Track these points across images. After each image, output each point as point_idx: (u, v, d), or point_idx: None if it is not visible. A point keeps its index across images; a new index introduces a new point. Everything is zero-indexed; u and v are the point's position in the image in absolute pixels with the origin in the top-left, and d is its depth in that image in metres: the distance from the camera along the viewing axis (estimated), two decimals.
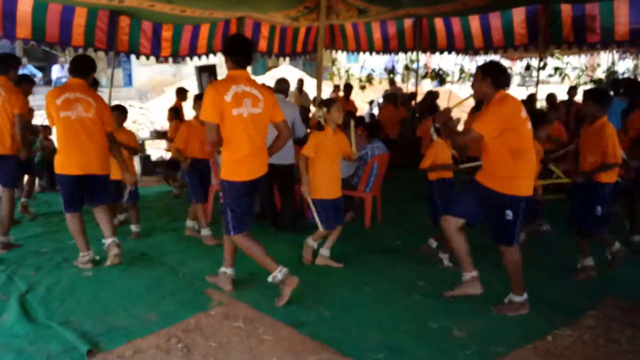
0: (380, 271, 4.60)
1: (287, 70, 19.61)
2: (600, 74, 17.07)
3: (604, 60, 18.87)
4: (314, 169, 4.60)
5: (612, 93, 8.67)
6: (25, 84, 5.76)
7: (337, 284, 4.33)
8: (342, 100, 10.30)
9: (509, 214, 3.72)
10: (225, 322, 3.59)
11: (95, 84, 7.54)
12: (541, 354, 3.24)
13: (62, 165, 4.48)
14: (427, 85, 16.85)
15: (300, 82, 13.05)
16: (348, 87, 11.34)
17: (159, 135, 7.84)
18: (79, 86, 4.52)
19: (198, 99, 5.19)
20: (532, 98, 8.64)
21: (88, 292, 4.07)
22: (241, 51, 3.83)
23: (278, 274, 3.87)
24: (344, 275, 4.55)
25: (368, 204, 6.00)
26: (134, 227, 5.60)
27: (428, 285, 4.28)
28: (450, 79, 17.72)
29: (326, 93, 13.56)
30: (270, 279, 3.91)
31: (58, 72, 15.14)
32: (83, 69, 4.57)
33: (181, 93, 9.22)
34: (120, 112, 5.51)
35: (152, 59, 9.31)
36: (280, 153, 5.56)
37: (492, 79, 3.69)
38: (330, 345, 3.28)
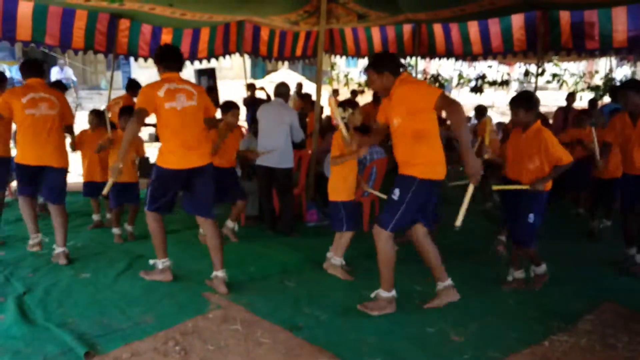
0: (377, 275, 4.58)
1: (286, 74, 19.66)
2: (598, 80, 17.15)
3: (602, 66, 18.96)
4: (335, 170, 4.58)
5: (610, 99, 8.76)
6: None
7: (334, 287, 4.33)
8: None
9: (396, 193, 3.66)
10: (223, 325, 3.59)
11: (137, 86, 7.73)
12: (538, 359, 3.25)
13: (21, 156, 4.74)
14: None
15: (299, 86, 13.07)
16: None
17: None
18: (41, 85, 4.82)
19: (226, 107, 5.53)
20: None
21: (85, 294, 4.07)
22: (170, 58, 4.19)
23: (160, 263, 4.34)
24: (341, 279, 4.55)
25: (366, 208, 6.01)
26: (128, 228, 5.65)
27: (426, 290, 4.28)
28: (449, 84, 17.82)
29: (325, 97, 13.58)
30: (151, 261, 4.39)
31: (57, 74, 15.15)
32: (38, 69, 4.87)
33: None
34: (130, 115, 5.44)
35: (151, 61, 9.32)
36: (280, 157, 5.63)
37: (390, 71, 3.67)
38: (328, 349, 3.28)
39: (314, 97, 7.06)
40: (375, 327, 3.62)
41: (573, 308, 3.97)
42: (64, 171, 4.88)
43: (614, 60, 16.91)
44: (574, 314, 3.85)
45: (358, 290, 4.24)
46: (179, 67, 4.22)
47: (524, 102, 4.16)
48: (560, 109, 9.22)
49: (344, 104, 4.60)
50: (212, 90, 9.69)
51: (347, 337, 3.46)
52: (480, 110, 8.54)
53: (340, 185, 4.57)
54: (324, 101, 10.98)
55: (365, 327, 3.61)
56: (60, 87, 6.76)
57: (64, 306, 3.85)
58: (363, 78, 19.02)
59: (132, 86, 7.85)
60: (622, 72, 19.25)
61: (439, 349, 3.35)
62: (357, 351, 3.28)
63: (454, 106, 3.43)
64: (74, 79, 15.63)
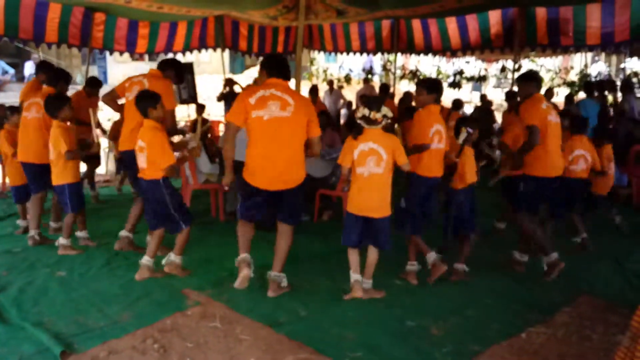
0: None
1: None
2: (573, 76, 17.41)
3: (577, 63, 19.23)
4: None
5: (585, 95, 8.91)
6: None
7: (314, 283, 4.33)
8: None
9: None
10: (202, 322, 3.57)
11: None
12: (515, 351, 3.29)
13: None
14: (405, 86, 16.98)
15: None
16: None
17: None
18: None
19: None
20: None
21: (62, 293, 4.00)
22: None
23: None
24: (321, 274, 4.55)
25: (346, 203, 5.99)
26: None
27: (405, 284, 4.31)
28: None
29: (304, 92, 13.52)
30: None
31: (31, 68, 14.86)
32: None
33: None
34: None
35: (128, 56, 9.20)
36: None
37: (267, 71, 3.91)
38: (308, 345, 3.28)
39: None
40: (355, 321, 3.63)
41: (551, 301, 4.03)
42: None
43: (588, 56, 17.18)
44: (551, 307, 3.91)
45: (338, 285, 4.24)
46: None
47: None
48: None
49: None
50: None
51: (328, 332, 3.46)
52: (457, 104, 9.00)
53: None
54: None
55: (346, 322, 3.61)
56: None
57: (39, 305, 3.78)
58: (342, 73, 19.04)
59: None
60: (597, 68, 19.56)
61: (420, 342, 3.37)
62: (338, 346, 3.29)
63: None
64: None
